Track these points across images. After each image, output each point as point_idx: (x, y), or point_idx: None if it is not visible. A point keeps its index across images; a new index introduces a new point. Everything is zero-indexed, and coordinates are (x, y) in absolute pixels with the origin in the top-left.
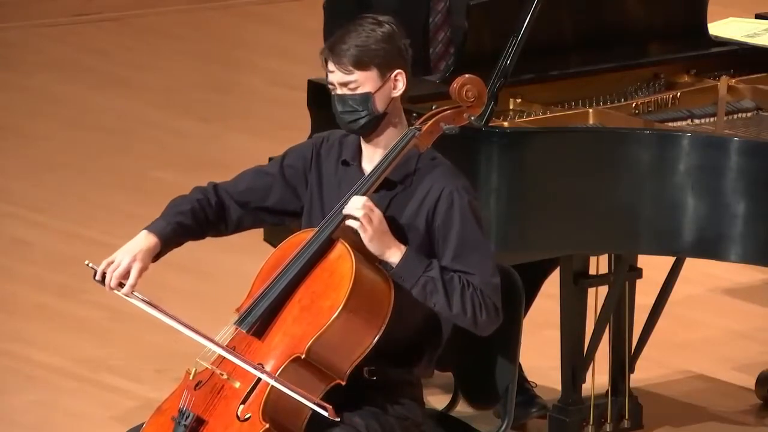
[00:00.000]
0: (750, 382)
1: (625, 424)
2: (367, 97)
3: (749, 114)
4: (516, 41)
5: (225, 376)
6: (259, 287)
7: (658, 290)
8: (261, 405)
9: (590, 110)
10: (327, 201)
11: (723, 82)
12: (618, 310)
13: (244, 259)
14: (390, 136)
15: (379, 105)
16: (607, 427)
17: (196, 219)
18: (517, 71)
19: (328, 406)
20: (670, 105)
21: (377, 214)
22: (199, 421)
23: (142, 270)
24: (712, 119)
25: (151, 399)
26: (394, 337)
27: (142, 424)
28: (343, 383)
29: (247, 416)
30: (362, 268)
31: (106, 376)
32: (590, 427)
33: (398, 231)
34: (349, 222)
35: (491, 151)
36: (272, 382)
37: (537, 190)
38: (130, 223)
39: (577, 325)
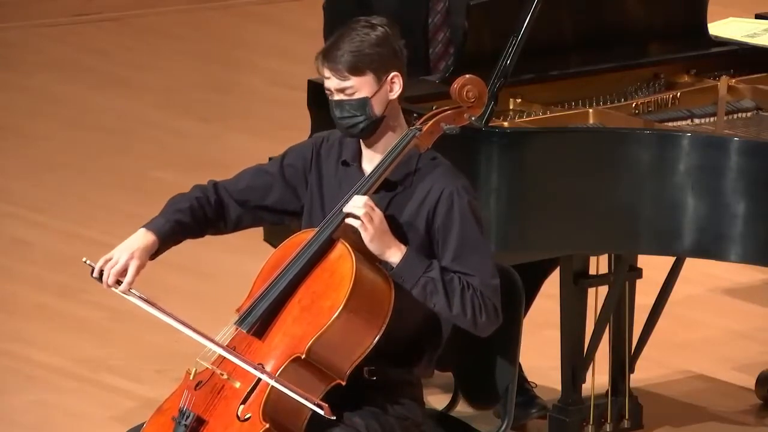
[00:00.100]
0: (750, 382)
1: (625, 424)
2: (364, 102)
3: (749, 114)
4: (516, 41)
5: (225, 376)
6: (259, 287)
7: (658, 290)
8: (261, 405)
9: (590, 110)
10: (327, 201)
11: (723, 82)
12: (618, 310)
13: (244, 259)
14: (389, 138)
15: (377, 109)
16: (607, 427)
17: (195, 217)
18: (517, 71)
19: (324, 404)
20: (670, 105)
21: (378, 213)
22: (200, 421)
23: (140, 268)
24: (712, 119)
25: (151, 399)
26: (394, 337)
27: (142, 424)
28: (344, 383)
29: (248, 416)
30: (363, 268)
31: (106, 376)
32: (590, 427)
33: (398, 231)
34: (350, 221)
35: (491, 151)
36: (272, 383)
37: (537, 190)
38: (130, 223)
39: (577, 325)
